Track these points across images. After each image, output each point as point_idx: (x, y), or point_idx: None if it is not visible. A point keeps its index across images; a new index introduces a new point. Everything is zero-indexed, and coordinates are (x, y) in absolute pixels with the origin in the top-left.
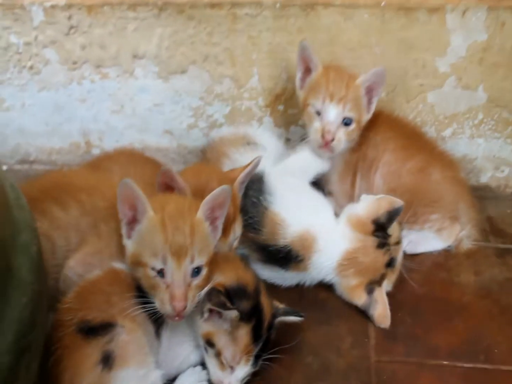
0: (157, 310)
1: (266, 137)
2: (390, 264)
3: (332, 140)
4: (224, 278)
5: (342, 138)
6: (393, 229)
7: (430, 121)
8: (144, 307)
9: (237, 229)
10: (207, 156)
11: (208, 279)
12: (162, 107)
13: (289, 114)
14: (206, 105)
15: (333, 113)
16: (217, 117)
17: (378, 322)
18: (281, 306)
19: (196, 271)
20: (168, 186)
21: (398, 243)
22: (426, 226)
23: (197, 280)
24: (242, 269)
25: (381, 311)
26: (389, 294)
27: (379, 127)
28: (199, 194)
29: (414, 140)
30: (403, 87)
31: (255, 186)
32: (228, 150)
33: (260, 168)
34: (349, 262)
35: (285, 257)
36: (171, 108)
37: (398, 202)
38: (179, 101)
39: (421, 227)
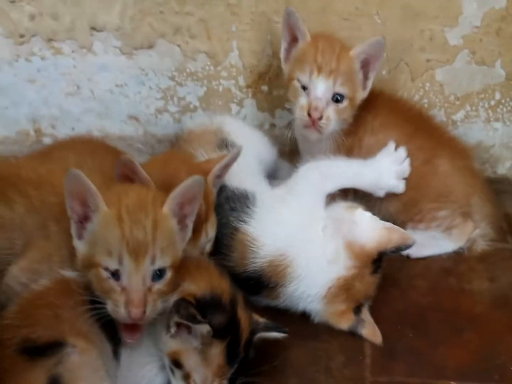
0: (109, 315)
1: (246, 134)
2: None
3: (320, 118)
4: (195, 287)
5: (332, 117)
6: None
7: (439, 103)
8: (97, 315)
9: (210, 230)
10: (180, 145)
11: (173, 285)
12: (125, 89)
13: (275, 96)
14: (178, 85)
15: (321, 87)
16: (190, 100)
17: (369, 338)
18: (261, 320)
19: (159, 274)
20: (129, 180)
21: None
22: (433, 225)
23: (159, 285)
24: (216, 277)
25: (371, 329)
26: (388, 305)
27: (379, 110)
28: (166, 188)
29: (419, 125)
30: (407, 62)
31: (229, 203)
32: (195, 151)
33: (238, 182)
34: (341, 289)
35: (256, 284)
36: (136, 89)
37: (411, 240)
38: (146, 81)
39: (427, 226)
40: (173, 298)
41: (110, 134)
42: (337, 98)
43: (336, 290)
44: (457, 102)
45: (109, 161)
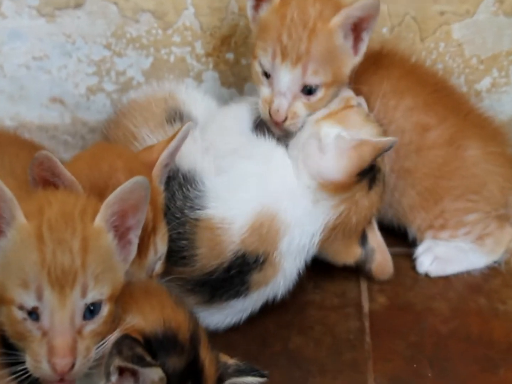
0: (29, 373)
1: (203, 104)
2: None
3: (284, 120)
4: (143, 320)
5: (301, 113)
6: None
7: (458, 68)
8: (14, 372)
9: (160, 243)
10: (109, 135)
11: (112, 322)
12: (46, 62)
13: (243, 66)
14: (115, 56)
15: (285, 79)
16: (133, 74)
17: (377, 274)
18: (231, 361)
19: (92, 310)
20: (48, 183)
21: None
22: (460, 233)
23: (94, 324)
24: (171, 306)
25: (379, 259)
26: (399, 336)
27: (389, 72)
28: (99, 192)
29: (440, 94)
30: (416, 17)
31: (177, 194)
32: (137, 128)
33: (186, 162)
34: (337, 227)
35: (240, 272)
36: (61, 62)
37: (388, 142)
38: (73, 51)
39: (452, 235)
40: (112, 338)
41: (26, 122)
42: (308, 90)
43: (327, 233)
44: (481, 66)
45: (23, 159)
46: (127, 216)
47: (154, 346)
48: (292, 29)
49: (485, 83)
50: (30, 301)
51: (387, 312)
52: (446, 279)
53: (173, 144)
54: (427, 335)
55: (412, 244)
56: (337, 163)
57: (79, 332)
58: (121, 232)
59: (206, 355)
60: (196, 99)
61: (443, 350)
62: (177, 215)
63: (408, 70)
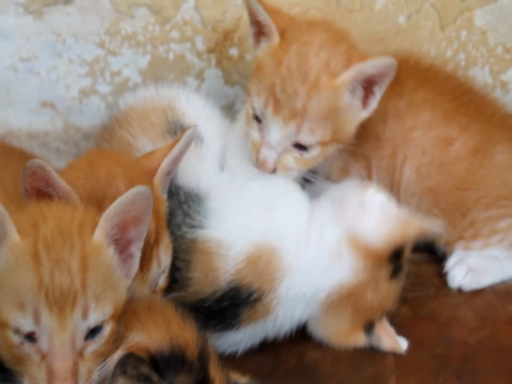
0: None
1: (205, 114)
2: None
3: (274, 170)
4: (148, 338)
5: (292, 167)
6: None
7: (481, 58)
8: None
9: (163, 256)
10: (102, 146)
11: (115, 342)
12: (34, 63)
13: (248, 62)
14: (109, 55)
15: (276, 134)
16: (129, 74)
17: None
18: (243, 380)
19: (93, 331)
20: (42, 194)
21: (408, 259)
22: (493, 241)
23: (96, 345)
24: (178, 323)
25: (389, 346)
26: (423, 347)
27: (403, 86)
28: (97, 202)
29: (462, 100)
30: (435, 3)
31: (176, 210)
32: (135, 139)
33: (188, 178)
34: (346, 299)
35: (232, 305)
36: (50, 63)
37: (438, 226)
38: (63, 51)
39: (485, 244)
40: (115, 357)
41: (14, 129)
42: (301, 146)
43: (338, 298)
44: (507, 55)
45: (13, 169)
46: (128, 228)
47: (161, 365)
48: (288, 81)
49: None
50: (26, 325)
51: (410, 322)
52: None
53: (175, 150)
54: (454, 347)
55: (441, 258)
56: (377, 228)
57: (81, 354)
58: (122, 246)
59: (216, 374)
60: (198, 109)
61: (471, 362)
62: (175, 233)
63: (422, 79)
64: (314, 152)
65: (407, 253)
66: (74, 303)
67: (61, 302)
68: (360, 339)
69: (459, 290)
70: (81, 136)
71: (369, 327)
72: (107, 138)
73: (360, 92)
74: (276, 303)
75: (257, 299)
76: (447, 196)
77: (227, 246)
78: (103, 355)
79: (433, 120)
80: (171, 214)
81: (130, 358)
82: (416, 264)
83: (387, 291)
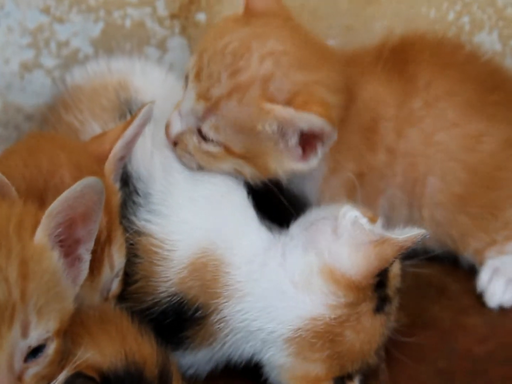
0: None
1: (166, 90)
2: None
3: (174, 143)
4: (99, 354)
5: (189, 150)
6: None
7: (489, 21)
8: None
9: (117, 256)
10: (49, 127)
11: (60, 360)
12: None
13: None
14: (55, 22)
15: (187, 104)
16: (78, 45)
17: None
18: None
19: (35, 351)
20: None
21: (397, 290)
22: None
23: (38, 366)
24: (134, 336)
25: None
26: (424, 359)
27: (415, 82)
28: (38, 195)
29: (486, 87)
30: None
31: (132, 197)
32: (83, 123)
33: (137, 165)
34: (322, 337)
35: (178, 321)
36: None
37: (417, 236)
38: (1, 17)
39: None
40: (61, 379)
41: None
42: (203, 136)
43: (308, 336)
44: None
45: None
46: (76, 226)
47: None
48: (217, 59)
49: None
50: None
51: (408, 331)
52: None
53: (129, 131)
54: (459, 359)
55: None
56: (350, 255)
57: (20, 378)
58: (68, 247)
59: None
60: (155, 85)
61: (479, 377)
62: (126, 225)
63: (436, 68)
64: (212, 149)
65: (394, 280)
66: (12, 318)
67: None
68: None
69: (467, 289)
70: (23, 118)
71: (340, 379)
72: (53, 121)
73: (294, 139)
74: (222, 327)
75: (203, 318)
76: (477, 199)
77: (169, 247)
78: (47, 378)
79: (457, 116)
80: (122, 206)
81: (78, 378)
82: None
83: (371, 329)
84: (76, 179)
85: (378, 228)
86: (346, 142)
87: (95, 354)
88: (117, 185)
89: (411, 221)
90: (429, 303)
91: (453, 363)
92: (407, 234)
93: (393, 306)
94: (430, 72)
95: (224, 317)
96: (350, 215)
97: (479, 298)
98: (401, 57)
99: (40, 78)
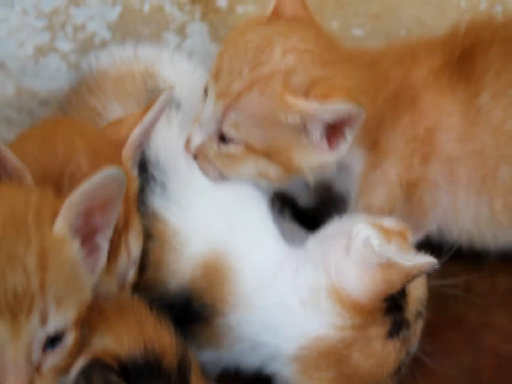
0: None
1: (193, 80)
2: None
3: (195, 156)
4: (117, 342)
5: (210, 159)
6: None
7: None
8: None
9: (134, 244)
10: (69, 114)
11: (78, 350)
12: None
13: (240, 16)
14: (72, 5)
15: (208, 108)
16: (95, 29)
17: None
18: None
19: (53, 340)
20: None
21: (420, 314)
22: None
23: (56, 357)
24: (153, 326)
25: None
26: (449, 358)
27: (480, 80)
28: (54, 181)
29: None
30: None
31: (149, 182)
32: (107, 111)
33: (156, 151)
34: (325, 358)
35: (183, 315)
36: (0, 15)
37: (426, 265)
38: (16, 0)
39: None
40: (78, 365)
41: None
42: (222, 136)
43: (314, 355)
44: None
45: None
46: (94, 215)
47: (133, 375)
48: (239, 55)
49: None
50: None
51: (434, 328)
52: (508, 281)
53: (148, 118)
54: (486, 357)
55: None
56: (358, 276)
57: (38, 368)
58: (85, 236)
59: None
60: (183, 74)
61: (506, 375)
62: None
63: (505, 58)
64: (233, 150)
65: (415, 304)
66: (31, 308)
67: (14, 307)
68: None
69: (494, 284)
70: (37, 103)
71: None
72: (75, 104)
73: (318, 132)
74: (227, 333)
75: (208, 319)
76: None
77: (182, 240)
78: (65, 370)
79: None
80: (139, 192)
81: (96, 366)
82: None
83: (382, 354)
84: (92, 165)
85: (389, 251)
86: (392, 145)
87: (113, 342)
88: (135, 172)
89: (478, 221)
90: (456, 301)
91: (479, 361)
92: (415, 262)
93: (412, 330)
94: (499, 63)
95: (230, 323)
96: (363, 234)
97: (505, 296)
98: (469, 56)
99: (55, 62)
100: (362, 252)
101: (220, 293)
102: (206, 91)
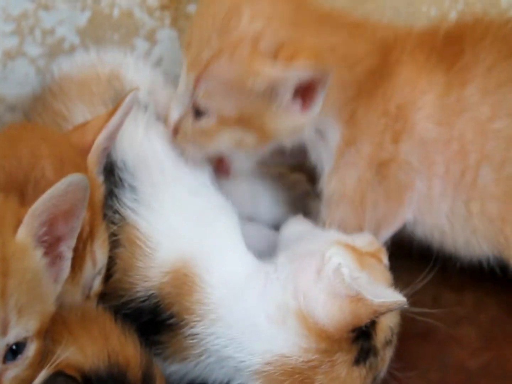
0: None
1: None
2: None
3: (175, 132)
4: (80, 354)
5: (189, 134)
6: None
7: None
8: None
9: (99, 252)
10: (35, 116)
11: (40, 362)
12: None
13: None
14: (41, 9)
15: (182, 81)
16: (64, 34)
17: None
18: None
19: (14, 351)
20: None
21: (389, 342)
22: None
23: (17, 369)
24: (118, 337)
25: None
26: (418, 373)
27: (471, 70)
28: (17, 188)
29: None
30: None
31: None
32: (72, 113)
33: (123, 153)
34: (291, 377)
35: (153, 324)
36: None
37: (394, 305)
38: None
39: None
40: (41, 377)
41: None
42: (197, 110)
43: (277, 372)
44: None
45: None
46: (57, 223)
47: None
48: (208, 22)
49: None
50: None
51: (400, 341)
52: (476, 295)
53: (113, 122)
54: (452, 372)
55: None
56: (326, 304)
57: None
58: (49, 245)
59: None
60: (147, 79)
61: None
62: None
63: (499, 53)
64: (205, 124)
65: (383, 332)
66: None
67: None
68: None
69: (463, 296)
70: (5, 108)
71: None
72: (39, 110)
73: (289, 94)
74: (194, 345)
75: (175, 328)
76: None
77: (153, 245)
78: (26, 382)
79: None
80: (107, 196)
81: (59, 377)
82: (407, 269)
83: (347, 379)
84: (57, 171)
85: (359, 282)
86: (366, 122)
87: (76, 353)
88: (100, 178)
89: (452, 218)
90: (422, 313)
91: (445, 376)
92: (383, 299)
93: (380, 358)
94: (492, 58)
95: (197, 334)
96: (334, 261)
97: (474, 310)
98: (455, 42)
99: (24, 67)
100: (332, 280)
101: (187, 302)
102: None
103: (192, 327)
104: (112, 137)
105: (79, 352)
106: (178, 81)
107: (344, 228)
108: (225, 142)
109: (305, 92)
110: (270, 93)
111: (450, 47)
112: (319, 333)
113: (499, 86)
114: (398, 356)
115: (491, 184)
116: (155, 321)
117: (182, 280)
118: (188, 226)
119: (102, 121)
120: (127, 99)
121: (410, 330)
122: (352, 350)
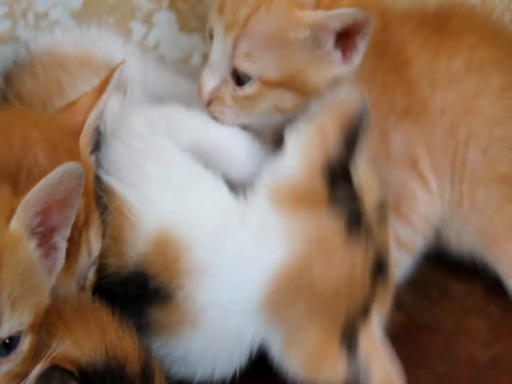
0: None
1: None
2: (378, 268)
3: (209, 103)
4: (77, 347)
5: (228, 102)
6: (364, 180)
7: (501, 3)
8: None
9: (94, 240)
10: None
11: (34, 356)
12: None
13: (209, 3)
14: None
15: (216, 48)
16: (58, 17)
17: None
18: None
19: (8, 345)
20: None
21: (383, 219)
22: None
23: (11, 363)
24: (116, 331)
25: (381, 376)
26: (422, 364)
27: (460, 43)
28: (9, 177)
29: None
30: None
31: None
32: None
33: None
34: (292, 286)
35: (138, 296)
36: None
37: (358, 99)
38: None
39: None
40: (35, 372)
41: None
42: (237, 77)
43: (281, 290)
44: None
45: None
46: (51, 213)
47: (94, 381)
48: None
49: None
50: None
51: (407, 333)
52: (485, 285)
53: (103, 99)
54: (461, 364)
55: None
56: (293, 155)
57: None
58: (42, 235)
59: None
60: (134, 59)
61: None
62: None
63: (487, 33)
64: (249, 90)
65: (372, 204)
66: None
67: None
68: (337, 366)
69: (471, 289)
70: None
71: (348, 344)
72: (15, 91)
73: (330, 42)
74: (188, 308)
75: (167, 296)
76: None
77: (138, 217)
78: (21, 377)
79: (504, 84)
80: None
81: (55, 372)
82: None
83: (347, 260)
84: (50, 157)
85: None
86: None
87: (72, 346)
88: (92, 158)
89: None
90: (431, 305)
91: (453, 369)
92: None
93: (376, 235)
94: (476, 37)
95: (191, 294)
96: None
97: (483, 301)
98: (445, 20)
99: (16, 52)
100: (298, 136)
101: (175, 266)
102: (210, 33)
103: (185, 288)
104: (102, 115)
105: (75, 346)
106: (176, 64)
107: None
108: (265, 105)
109: (345, 43)
110: (312, 43)
111: (440, 16)
112: (296, 195)
113: (483, 63)
114: (406, 348)
115: (479, 167)
116: (145, 293)
117: (166, 246)
118: (166, 194)
119: (91, 99)
120: (115, 75)
121: (418, 322)
122: (340, 213)
